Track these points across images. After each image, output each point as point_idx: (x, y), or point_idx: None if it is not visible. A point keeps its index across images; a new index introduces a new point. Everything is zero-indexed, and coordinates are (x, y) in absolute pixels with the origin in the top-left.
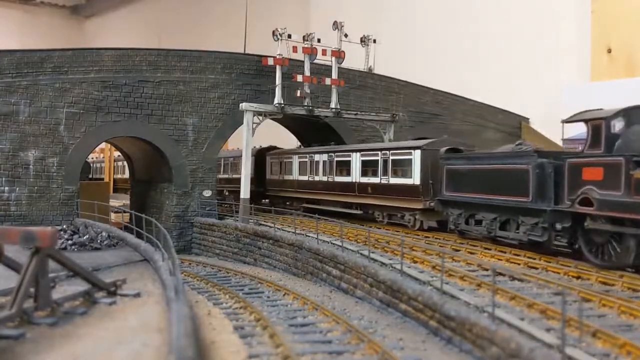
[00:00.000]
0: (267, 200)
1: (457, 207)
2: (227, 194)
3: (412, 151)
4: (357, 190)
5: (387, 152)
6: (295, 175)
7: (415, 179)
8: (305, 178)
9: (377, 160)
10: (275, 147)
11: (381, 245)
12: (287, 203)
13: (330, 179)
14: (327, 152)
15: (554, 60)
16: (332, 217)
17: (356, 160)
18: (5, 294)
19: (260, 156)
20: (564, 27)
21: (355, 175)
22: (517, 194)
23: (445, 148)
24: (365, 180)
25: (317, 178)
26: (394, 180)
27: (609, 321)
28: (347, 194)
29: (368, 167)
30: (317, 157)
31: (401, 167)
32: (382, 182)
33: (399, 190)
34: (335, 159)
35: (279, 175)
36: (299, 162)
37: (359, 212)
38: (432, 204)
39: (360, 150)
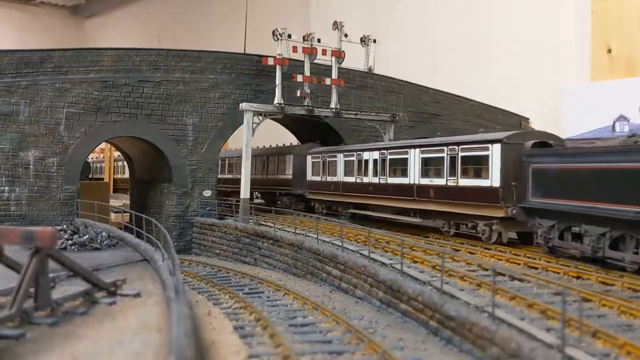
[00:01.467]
0: (298, 204)
1: (548, 217)
2: (258, 196)
3: (490, 145)
4: (416, 194)
5: (456, 147)
6: (340, 177)
7: (494, 179)
8: (351, 180)
9: (442, 157)
10: (315, 144)
11: (381, 245)
12: (333, 208)
13: (382, 181)
14: (379, 149)
15: (554, 60)
16: (385, 226)
17: (415, 157)
18: (5, 294)
19: (300, 155)
20: (564, 27)
21: (414, 176)
22: (638, 202)
23: (531, 142)
24: (426, 181)
25: (366, 180)
26: (464, 182)
27: (609, 321)
28: (403, 198)
29: (430, 166)
30: (366, 155)
31: (474, 166)
32: (449, 184)
33: (471, 194)
34: (389, 156)
35: (322, 177)
36: (345, 161)
37: (417, 220)
38: (514, 211)
39: (420, 146)
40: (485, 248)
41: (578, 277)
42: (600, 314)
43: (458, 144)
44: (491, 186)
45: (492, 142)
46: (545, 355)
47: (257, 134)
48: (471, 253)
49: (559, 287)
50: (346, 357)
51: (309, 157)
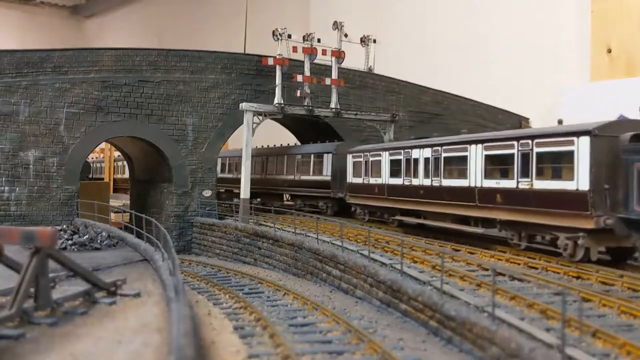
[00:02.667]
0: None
1: None
2: (288, 200)
3: (575, 139)
4: (478, 198)
5: (529, 141)
6: (385, 178)
7: (581, 181)
8: (398, 182)
9: (512, 154)
10: (354, 142)
11: (381, 245)
12: (377, 215)
13: (435, 183)
14: (431, 146)
15: (554, 60)
16: (439, 235)
17: (476, 155)
18: (5, 294)
19: (341, 154)
20: (564, 27)
21: (475, 177)
22: None
23: (629, 134)
24: (491, 184)
25: (415, 182)
26: (541, 185)
27: (609, 321)
28: (462, 204)
29: (496, 165)
30: (415, 152)
31: (554, 164)
32: (521, 187)
33: (549, 199)
34: (443, 154)
35: (364, 178)
36: (390, 160)
37: (479, 230)
38: (607, 221)
39: (483, 141)
40: (485, 248)
41: (578, 277)
42: (600, 314)
43: (532, 137)
44: (577, 190)
45: (578, 134)
46: (545, 355)
47: (257, 133)
48: (471, 253)
49: (559, 287)
50: (346, 357)
51: (349, 157)
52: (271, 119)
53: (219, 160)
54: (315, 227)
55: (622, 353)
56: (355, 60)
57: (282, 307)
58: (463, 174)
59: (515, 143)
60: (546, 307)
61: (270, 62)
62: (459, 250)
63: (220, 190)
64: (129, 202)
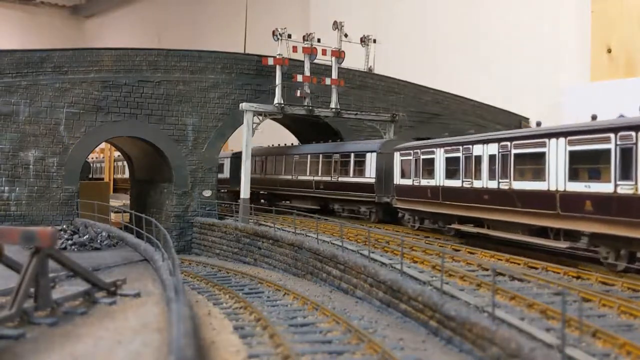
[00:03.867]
0: (381, 215)
1: None
2: (337, 209)
3: None
4: (560, 206)
5: (633, 133)
6: (439, 180)
7: None
8: (455, 184)
9: (608, 149)
10: (399, 139)
11: (381, 245)
12: (432, 223)
13: (503, 186)
14: (498, 140)
15: (554, 60)
16: (509, 249)
17: (558, 151)
18: (5, 294)
19: (386, 153)
20: (564, 27)
21: (556, 180)
22: None
23: None
24: (577, 187)
25: (478, 184)
26: None
27: (609, 321)
28: (539, 212)
29: (583, 164)
30: (477, 149)
31: None
32: (621, 191)
33: None
34: (513, 150)
35: (413, 180)
36: (446, 158)
37: (562, 245)
38: None
39: (567, 134)
40: (485, 248)
41: (578, 277)
42: (600, 314)
43: (637, 127)
44: None
45: None
46: (545, 355)
47: (257, 133)
48: (471, 253)
49: (559, 287)
50: (346, 357)
51: (396, 155)
52: (271, 119)
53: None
54: (315, 227)
55: (622, 353)
56: (355, 60)
57: (282, 307)
58: (539, 176)
59: (612, 136)
60: (546, 307)
61: (270, 62)
62: (459, 250)
63: (262, 192)
64: (129, 202)
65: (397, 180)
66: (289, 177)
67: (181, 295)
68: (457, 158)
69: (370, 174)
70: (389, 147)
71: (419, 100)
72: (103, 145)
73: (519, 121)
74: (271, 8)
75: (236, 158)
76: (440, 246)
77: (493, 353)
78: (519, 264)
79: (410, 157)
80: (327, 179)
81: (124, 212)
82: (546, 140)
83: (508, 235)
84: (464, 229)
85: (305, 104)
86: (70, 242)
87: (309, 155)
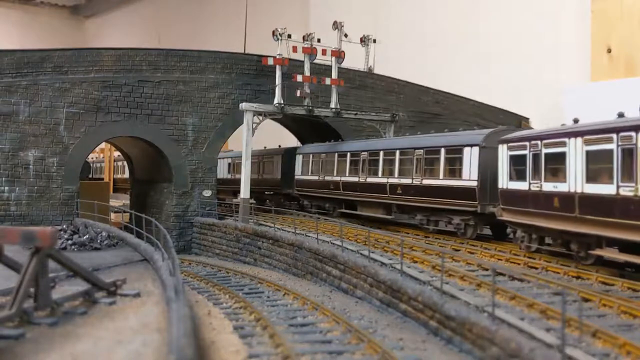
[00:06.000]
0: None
1: None
2: (419, 220)
3: None
4: None
5: None
6: (573, 183)
7: None
8: (602, 190)
9: None
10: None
11: (381, 245)
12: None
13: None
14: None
15: (554, 60)
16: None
17: None
18: (5, 294)
19: (492, 148)
20: (564, 27)
21: None
22: None
23: None
24: None
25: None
26: None
27: (609, 321)
28: None
29: None
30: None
31: None
32: None
33: None
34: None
35: (530, 183)
36: (586, 152)
37: None
38: None
39: None
40: (485, 248)
41: (578, 277)
42: (600, 314)
43: None
44: None
45: None
46: (545, 355)
47: (258, 133)
48: (471, 253)
49: (559, 287)
50: (346, 357)
51: (503, 149)
52: (271, 119)
53: (299, 158)
54: (315, 227)
55: (622, 353)
56: (355, 60)
57: (282, 307)
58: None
59: None
60: (546, 307)
61: (270, 62)
62: (459, 250)
63: (308, 194)
64: (129, 202)
65: (504, 183)
66: (355, 179)
67: (181, 295)
68: (608, 152)
69: (469, 175)
70: (494, 140)
71: (419, 100)
72: (103, 145)
73: (519, 121)
74: (271, 8)
75: (289, 154)
76: (440, 246)
77: (493, 353)
78: (519, 264)
79: (526, 152)
80: (406, 181)
81: (124, 212)
82: None
83: (621, 258)
84: (621, 258)
85: (305, 104)
86: (70, 242)
87: (381, 152)
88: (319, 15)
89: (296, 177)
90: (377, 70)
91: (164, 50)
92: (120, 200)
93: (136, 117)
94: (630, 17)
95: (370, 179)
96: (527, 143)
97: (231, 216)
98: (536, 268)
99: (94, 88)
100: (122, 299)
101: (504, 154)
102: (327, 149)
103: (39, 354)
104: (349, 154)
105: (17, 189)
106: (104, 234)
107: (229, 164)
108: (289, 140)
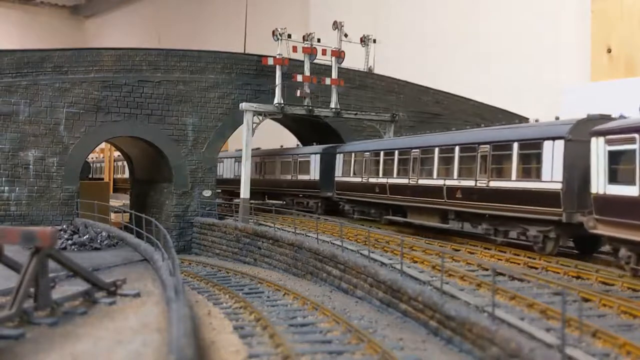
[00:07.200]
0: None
1: None
2: (486, 230)
3: None
4: None
5: None
6: None
7: None
8: None
9: None
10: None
11: (381, 245)
12: None
13: None
14: None
15: (554, 60)
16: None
17: None
18: (5, 294)
19: (581, 141)
20: (564, 27)
21: None
22: None
23: None
24: None
25: None
26: None
27: (609, 321)
28: None
29: None
30: None
31: None
32: None
33: None
34: None
35: (631, 184)
36: None
37: None
38: None
39: None
40: (485, 248)
41: (578, 277)
42: (600, 314)
43: None
44: None
45: None
46: (545, 355)
47: (258, 133)
48: (471, 253)
49: (558, 287)
50: (346, 357)
51: (598, 143)
52: (271, 119)
53: (339, 158)
54: (315, 227)
55: (622, 353)
56: (355, 60)
57: (282, 307)
58: None
59: None
60: (546, 307)
61: (270, 62)
62: (459, 250)
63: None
64: (129, 202)
65: (600, 186)
66: (405, 180)
67: (181, 295)
68: None
69: (551, 176)
70: (585, 131)
71: (419, 100)
72: (103, 145)
73: (519, 121)
74: (271, 8)
75: (328, 154)
76: (440, 246)
77: (493, 353)
78: (519, 264)
79: (635, 146)
80: (468, 183)
81: (124, 212)
82: None
83: None
84: None
85: (305, 104)
86: (70, 242)
87: (436, 149)
88: (319, 15)
89: (336, 178)
90: (377, 70)
91: (164, 50)
92: (120, 200)
93: (136, 117)
94: (630, 17)
95: (422, 181)
96: (636, 135)
97: (231, 216)
98: (536, 268)
99: (94, 88)
100: (122, 299)
101: (599, 148)
102: (370, 146)
103: (39, 354)
104: (396, 152)
105: (17, 189)
106: (104, 234)
107: (257, 163)
108: (289, 140)
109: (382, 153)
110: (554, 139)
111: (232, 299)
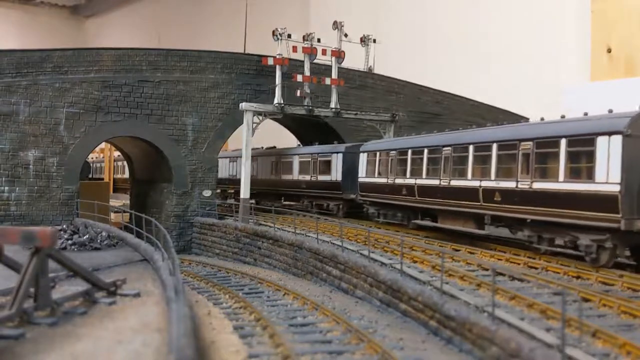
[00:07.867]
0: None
1: None
2: (528, 237)
3: None
4: None
5: None
6: None
7: None
8: None
9: None
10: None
11: (381, 245)
12: None
13: None
14: None
15: (554, 60)
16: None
17: None
18: (5, 294)
19: (637, 136)
20: (564, 27)
21: None
22: None
23: None
24: None
25: None
26: None
27: (609, 321)
28: None
29: None
30: None
31: None
32: None
33: None
34: None
35: None
36: None
37: None
38: None
39: None
40: (485, 248)
41: (578, 277)
42: (600, 314)
43: None
44: None
45: None
46: (545, 355)
47: (258, 134)
48: (471, 253)
49: (559, 287)
50: (346, 357)
51: None
52: (271, 119)
53: (363, 157)
54: (315, 227)
55: (622, 353)
56: (355, 60)
57: (282, 307)
58: None
59: None
60: (546, 307)
61: (270, 62)
62: (459, 250)
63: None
64: (129, 202)
65: None
66: (435, 182)
67: (181, 295)
68: None
69: (607, 176)
70: (634, 124)
71: (419, 100)
72: (103, 145)
73: (519, 121)
74: (271, 8)
75: (351, 153)
76: (440, 246)
77: (493, 353)
78: (518, 264)
79: None
80: (508, 184)
81: (124, 212)
82: None
83: None
84: None
85: (305, 104)
86: (70, 242)
87: (470, 147)
88: (319, 15)
89: (360, 179)
90: (377, 70)
91: (164, 50)
92: (120, 200)
93: (136, 117)
94: (630, 17)
95: (455, 182)
96: None
97: (231, 216)
98: (536, 268)
99: (94, 88)
100: (122, 299)
101: None
102: (396, 144)
103: (39, 354)
104: (425, 150)
105: (17, 189)
106: (104, 234)
107: (273, 162)
108: (289, 140)
109: (409, 151)
110: (609, 134)
111: (232, 299)
